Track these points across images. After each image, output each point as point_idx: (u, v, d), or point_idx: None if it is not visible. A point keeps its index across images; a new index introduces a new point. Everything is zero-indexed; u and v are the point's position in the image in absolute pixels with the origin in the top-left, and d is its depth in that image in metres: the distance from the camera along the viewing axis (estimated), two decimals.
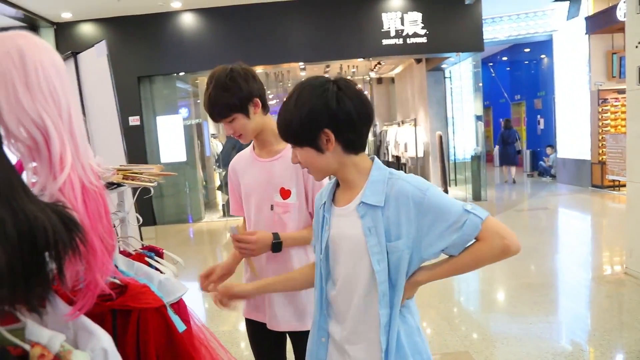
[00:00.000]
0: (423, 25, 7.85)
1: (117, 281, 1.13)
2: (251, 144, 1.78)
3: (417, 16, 7.84)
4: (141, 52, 7.91)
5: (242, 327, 1.99)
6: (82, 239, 0.76)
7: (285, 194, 1.63)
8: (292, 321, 1.63)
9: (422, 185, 1.10)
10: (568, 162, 9.81)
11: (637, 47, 3.88)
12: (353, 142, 1.13)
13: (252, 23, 7.91)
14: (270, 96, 11.49)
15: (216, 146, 10.27)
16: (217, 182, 9.85)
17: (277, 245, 1.58)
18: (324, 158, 1.14)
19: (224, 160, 8.87)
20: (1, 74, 0.90)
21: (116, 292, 1.09)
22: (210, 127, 10.16)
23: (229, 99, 1.55)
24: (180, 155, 8.25)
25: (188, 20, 7.96)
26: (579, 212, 7.85)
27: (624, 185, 8.27)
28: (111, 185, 1.22)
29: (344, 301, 1.18)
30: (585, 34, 8.63)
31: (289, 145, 1.69)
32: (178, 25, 7.94)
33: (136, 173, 1.36)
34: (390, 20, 7.87)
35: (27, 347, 0.73)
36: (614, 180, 8.48)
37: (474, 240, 1.07)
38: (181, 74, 8.50)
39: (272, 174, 1.64)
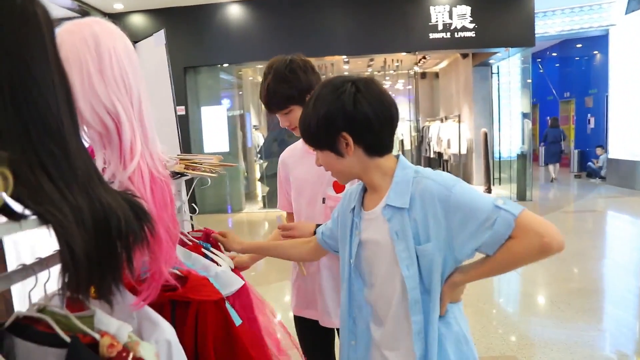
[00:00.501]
0: (472, 19, 7.63)
1: (178, 272, 1.14)
2: (299, 142, 1.78)
3: (466, 10, 7.62)
4: (188, 42, 8.04)
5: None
6: (152, 229, 0.76)
7: (338, 187, 1.61)
8: None
9: (447, 182, 1.03)
10: (620, 163, 9.35)
11: None
12: (375, 145, 1.09)
13: (297, 15, 7.90)
14: None
15: (258, 138, 10.38)
16: (258, 174, 9.95)
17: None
18: (344, 162, 1.10)
19: (266, 151, 8.95)
20: (76, 60, 0.90)
21: (177, 283, 1.10)
22: (253, 118, 10.26)
23: (288, 90, 1.54)
24: (223, 146, 8.37)
25: (233, 12, 8.03)
26: (630, 215, 7.48)
27: None
28: (175, 175, 1.23)
29: (384, 306, 1.15)
30: None
31: None
32: (223, 16, 8.03)
33: (196, 163, 1.36)
34: (438, 14, 7.69)
35: (97, 336, 0.73)
36: None
37: (508, 237, 0.98)
38: (225, 65, 8.60)
39: None
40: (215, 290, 1.16)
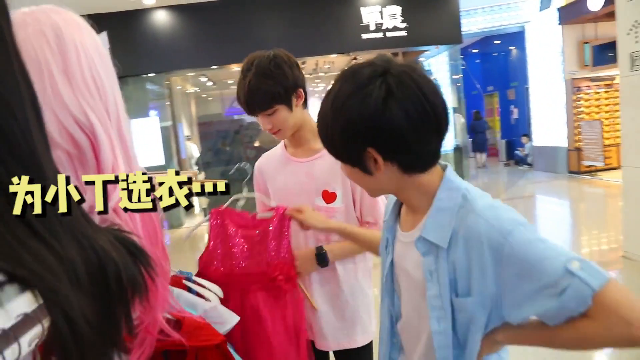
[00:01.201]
0: (403, 18, 7.79)
1: (169, 315, 0.97)
2: (281, 143, 1.62)
3: (397, 10, 7.77)
4: (112, 51, 7.54)
5: None
6: (151, 273, 0.60)
7: (328, 197, 1.46)
8: (341, 338, 1.50)
9: (504, 225, 0.78)
10: (544, 149, 9.98)
11: (628, 34, 3.90)
12: (413, 161, 0.84)
13: (226, 20, 7.67)
14: None
15: (191, 148, 9.99)
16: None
17: (321, 257, 1.43)
18: (374, 180, 0.87)
19: (203, 162, 8.63)
20: (34, 59, 0.68)
21: (172, 330, 0.93)
22: (185, 129, 9.86)
23: (273, 87, 1.36)
24: (158, 159, 7.95)
25: (161, 18, 7.65)
26: (557, 197, 7.99)
27: (600, 170, 8.51)
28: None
29: (410, 340, 0.98)
30: (558, 24, 8.76)
31: None
32: (150, 23, 7.63)
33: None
34: (369, 14, 7.77)
35: None
36: (590, 166, 8.68)
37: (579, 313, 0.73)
38: (151, 74, 8.18)
39: (313, 175, 1.48)
40: (214, 332, 0.99)
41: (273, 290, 1.36)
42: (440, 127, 0.82)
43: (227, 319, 1.15)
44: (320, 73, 11.82)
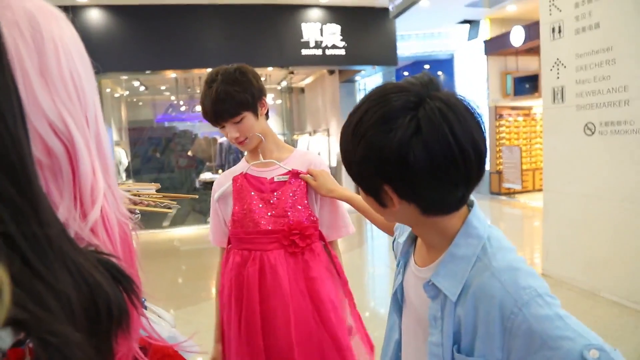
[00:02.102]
0: (342, 37, 7.98)
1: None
2: (242, 159, 1.62)
3: (336, 28, 7.94)
4: None
5: None
6: (134, 300, 0.55)
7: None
8: None
9: (520, 292, 0.70)
10: None
11: (551, 70, 4.26)
12: (436, 204, 0.76)
13: (165, 25, 7.44)
14: (181, 102, 10.93)
15: (120, 154, 9.51)
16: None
17: None
18: (389, 212, 0.80)
19: (133, 169, 8.23)
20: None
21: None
22: (114, 133, 9.36)
23: (241, 93, 1.40)
24: None
25: (95, 17, 7.26)
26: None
27: (519, 192, 9.15)
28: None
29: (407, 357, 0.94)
30: (484, 54, 9.39)
31: (293, 154, 1.57)
32: (83, 21, 7.20)
33: (135, 195, 1.11)
34: (309, 31, 7.88)
35: None
36: (509, 188, 9.31)
37: None
38: None
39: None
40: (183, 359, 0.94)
41: (290, 248, 1.46)
42: (469, 174, 0.73)
43: (190, 351, 1.10)
44: None
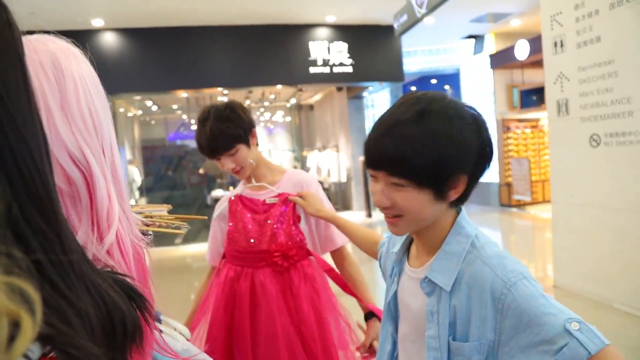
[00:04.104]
0: (349, 55, 8.12)
1: None
2: (240, 182, 1.75)
3: (343, 46, 8.10)
4: None
5: None
6: (147, 317, 0.61)
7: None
8: None
9: (508, 275, 0.79)
10: (478, 184, 10.55)
11: (555, 83, 4.33)
12: (469, 193, 0.89)
13: (176, 46, 7.64)
14: (192, 121, 11.13)
15: (133, 172, 9.68)
16: None
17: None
18: (430, 209, 0.85)
19: (146, 187, 8.37)
20: None
21: None
22: (127, 152, 9.55)
23: (233, 129, 1.54)
24: None
25: (109, 40, 7.49)
26: (489, 228, 8.48)
27: (528, 204, 9.14)
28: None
29: None
30: (490, 68, 9.48)
31: (285, 176, 1.67)
32: (98, 44, 7.43)
33: (148, 217, 1.19)
34: (317, 49, 8.04)
35: None
36: (519, 200, 9.31)
37: None
38: None
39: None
40: None
41: (275, 267, 1.58)
42: (489, 164, 0.89)
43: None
44: (265, 102, 11.95)
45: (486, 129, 0.86)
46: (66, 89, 0.66)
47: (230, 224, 1.64)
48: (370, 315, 1.57)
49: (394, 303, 1.01)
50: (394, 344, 1.02)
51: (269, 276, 1.57)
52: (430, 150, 0.81)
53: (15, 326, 0.30)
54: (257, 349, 1.53)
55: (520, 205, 9.33)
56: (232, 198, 1.66)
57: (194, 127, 11.29)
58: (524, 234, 7.77)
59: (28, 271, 0.38)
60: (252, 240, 1.59)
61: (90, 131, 0.68)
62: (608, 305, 3.85)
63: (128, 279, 0.58)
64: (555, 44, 4.26)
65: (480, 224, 8.72)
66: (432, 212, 0.87)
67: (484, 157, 0.86)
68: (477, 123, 0.85)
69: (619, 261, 3.77)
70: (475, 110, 0.88)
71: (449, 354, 0.84)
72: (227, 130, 1.53)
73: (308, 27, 8.06)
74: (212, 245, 1.75)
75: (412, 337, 0.95)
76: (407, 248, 1.01)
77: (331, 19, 7.90)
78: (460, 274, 0.85)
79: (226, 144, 1.55)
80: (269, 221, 1.59)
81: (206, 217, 1.63)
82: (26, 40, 0.72)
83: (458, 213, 0.92)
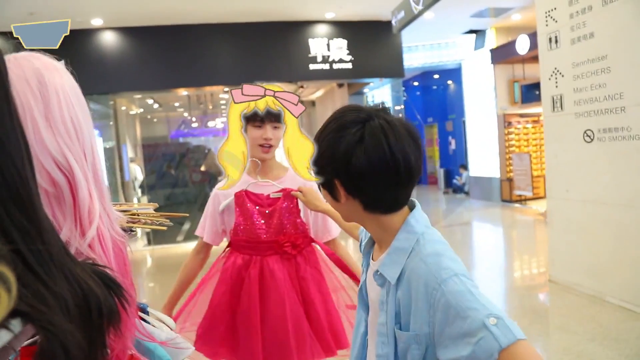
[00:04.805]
0: (348, 51, 8.14)
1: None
2: (244, 172, 1.78)
3: (343, 43, 8.11)
4: None
5: None
6: (124, 303, 0.67)
7: None
8: None
9: (441, 272, 0.85)
10: (480, 179, 10.59)
11: (549, 79, 4.33)
12: (372, 202, 0.93)
13: (176, 45, 7.68)
14: (193, 119, 11.18)
15: (135, 170, 9.74)
16: None
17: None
18: (341, 207, 0.98)
19: (148, 185, 8.43)
20: (18, 105, 0.73)
21: None
22: (129, 150, 9.62)
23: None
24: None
25: (109, 39, 7.55)
26: (491, 224, 8.51)
27: (529, 199, 9.14)
28: (125, 232, 1.11)
29: (370, 351, 1.06)
30: (491, 63, 9.45)
31: (288, 173, 1.77)
32: (98, 43, 7.50)
33: (134, 215, 1.24)
34: (317, 46, 8.06)
35: None
36: (520, 195, 9.31)
37: None
38: (94, 95, 7.99)
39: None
40: None
41: (282, 254, 1.71)
42: (399, 180, 0.90)
43: (183, 350, 1.21)
44: None
45: (374, 142, 0.88)
46: (50, 101, 0.75)
47: (239, 218, 1.74)
48: None
49: (365, 291, 1.08)
50: (366, 327, 1.09)
51: (277, 263, 1.70)
52: (315, 155, 0.96)
53: None
54: (266, 330, 1.65)
55: (522, 200, 9.33)
56: (238, 192, 1.75)
57: (195, 125, 11.34)
58: (525, 228, 7.78)
59: (6, 258, 0.44)
60: (264, 236, 1.72)
61: (72, 138, 0.77)
62: (602, 300, 3.87)
63: (107, 270, 0.64)
64: (550, 40, 4.27)
65: (481, 220, 8.78)
66: (345, 210, 0.99)
67: (350, 166, 0.89)
68: (360, 135, 0.89)
69: (613, 255, 3.79)
70: (389, 124, 0.90)
71: (395, 341, 0.92)
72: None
73: (307, 23, 8.08)
74: (211, 227, 1.82)
75: (373, 322, 1.03)
76: (373, 242, 1.08)
77: (330, 15, 7.91)
78: (405, 268, 0.91)
79: (280, 115, 1.60)
80: (275, 213, 1.72)
81: (188, 215, 1.71)
82: (13, 58, 0.80)
83: (410, 211, 0.98)
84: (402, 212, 0.97)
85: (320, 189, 1.05)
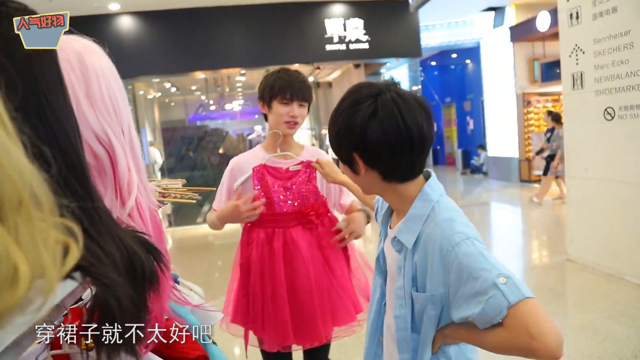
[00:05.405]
0: (365, 31, 8.06)
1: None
2: (258, 148, 1.89)
3: (359, 23, 8.03)
4: None
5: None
6: (164, 268, 0.74)
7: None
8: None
9: (454, 236, 0.91)
10: (498, 160, 10.49)
11: (570, 56, 4.26)
12: (390, 172, 0.99)
13: (193, 28, 7.71)
14: (211, 102, 11.26)
15: (154, 154, 9.90)
16: None
17: (367, 214, 1.83)
18: (360, 179, 1.03)
19: (168, 167, 8.57)
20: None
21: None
22: (148, 134, 9.76)
23: (310, 88, 1.77)
24: None
25: (126, 24, 7.61)
26: (509, 204, 8.45)
27: None
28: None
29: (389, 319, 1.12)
30: (510, 41, 9.27)
31: (304, 150, 1.84)
32: (115, 28, 7.57)
33: (165, 189, 1.31)
34: (333, 27, 8.00)
35: None
36: (539, 175, 9.18)
37: (499, 322, 0.85)
38: None
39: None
40: (194, 345, 1.06)
41: (307, 224, 1.77)
42: (413, 148, 0.95)
43: (212, 316, 1.28)
44: None
45: (387, 114, 0.93)
46: (90, 80, 0.79)
47: (259, 192, 1.77)
48: (359, 210, 1.83)
49: (382, 258, 1.15)
50: (382, 294, 1.15)
51: (299, 233, 1.76)
52: (330, 131, 1.02)
53: (65, 252, 0.42)
54: (293, 301, 1.72)
55: (540, 180, 9.22)
56: (256, 166, 1.79)
57: (213, 108, 11.43)
58: (544, 209, 7.71)
59: (75, 213, 0.51)
60: (285, 208, 1.76)
61: (112, 115, 0.83)
62: (620, 278, 3.86)
63: (146, 237, 0.71)
64: (571, 16, 4.18)
65: (499, 200, 8.73)
66: (365, 183, 1.04)
67: (366, 138, 0.94)
68: (374, 109, 0.94)
69: (632, 234, 3.76)
70: (400, 97, 0.95)
71: (412, 303, 0.98)
72: (309, 88, 1.76)
73: (323, 4, 8.01)
74: (224, 198, 1.85)
75: (391, 287, 1.08)
76: (391, 212, 1.13)
77: None
78: (421, 234, 0.97)
79: (308, 94, 1.74)
80: (295, 185, 1.77)
81: (215, 189, 1.75)
82: None
83: (427, 180, 1.03)
84: (418, 181, 1.02)
85: (339, 165, 1.11)
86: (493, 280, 0.84)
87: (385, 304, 1.14)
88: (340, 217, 1.90)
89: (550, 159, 7.39)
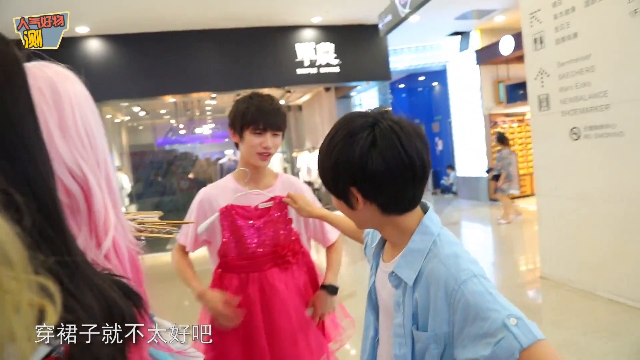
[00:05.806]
0: (335, 55, 8.18)
1: None
2: (229, 178, 1.75)
3: (330, 47, 8.15)
4: None
5: None
6: (144, 314, 0.67)
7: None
8: None
9: (460, 273, 0.87)
10: (467, 179, 10.69)
11: (535, 79, 4.41)
12: (391, 203, 0.94)
13: (164, 51, 7.65)
14: (181, 126, 11.12)
15: (122, 179, 9.65)
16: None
17: (332, 289, 1.71)
18: (356, 214, 0.98)
19: (136, 194, 8.36)
20: None
21: None
22: (115, 159, 9.53)
23: (284, 115, 1.65)
24: None
25: (94, 47, 7.48)
26: (480, 223, 8.59)
27: (517, 197, 9.23)
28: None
29: (381, 355, 1.08)
30: (476, 64, 9.57)
31: (278, 180, 1.73)
32: (83, 51, 7.42)
33: (140, 224, 1.24)
34: (304, 51, 8.09)
35: None
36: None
37: None
38: None
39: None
40: None
41: (282, 265, 1.65)
42: (415, 177, 0.91)
43: (196, 357, 1.21)
44: None
45: (387, 143, 0.89)
46: (64, 110, 0.71)
47: (229, 235, 1.63)
48: (322, 287, 1.72)
49: (373, 293, 1.10)
50: (376, 331, 1.10)
51: (276, 275, 1.64)
52: (323, 164, 0.96)
53: (41, 313, 0.38)
54: (274, 345, 1.60)
55: (510, 199, 9.43)
56: (222, 208, 1.64)
57: (183, 132, 11.28)
58: (514, 227, 7.87)
59: (52, 271, 0.44)
60: (259, 250, 1.63)
61: (86, 147, 0.74)
62: (594, 294, 3.94)
63: (125, 280, 0.64)
64: (535, 41, 4.34)
65: (470, 219, 8.85)
66: (362, 217, 0.99)
67: (367, 170, 0.89)
68: (372, 139, 0.89)
69: (603, 250, 3.86)
70: (397, 124, 0.91)
71: (413, 341, 0.93)
72: (282, 112, 1.63)
73: (294, 28, 8.11)
74: (193, 236, 1.71)
75: (386, 324, 1.03)
76: (382, 244, 1.09)
77: (317, 20, 7.95)
78: (422, 269, 0.92)
79: (282, 123, 1.62)
80: (267, 224, 1.64)
81: (194, 222, 1.66)
82: (26, 67, 0.78)
83: (425, 212, 0.99)
84: (416, 213, 0.99)
85: (314, 191, 1.06)
86: (503, 321, 0.80)
87: (378, 341, 1.09)
88: (314, 248, 1.82)
89: (495, 178, 7.67)
